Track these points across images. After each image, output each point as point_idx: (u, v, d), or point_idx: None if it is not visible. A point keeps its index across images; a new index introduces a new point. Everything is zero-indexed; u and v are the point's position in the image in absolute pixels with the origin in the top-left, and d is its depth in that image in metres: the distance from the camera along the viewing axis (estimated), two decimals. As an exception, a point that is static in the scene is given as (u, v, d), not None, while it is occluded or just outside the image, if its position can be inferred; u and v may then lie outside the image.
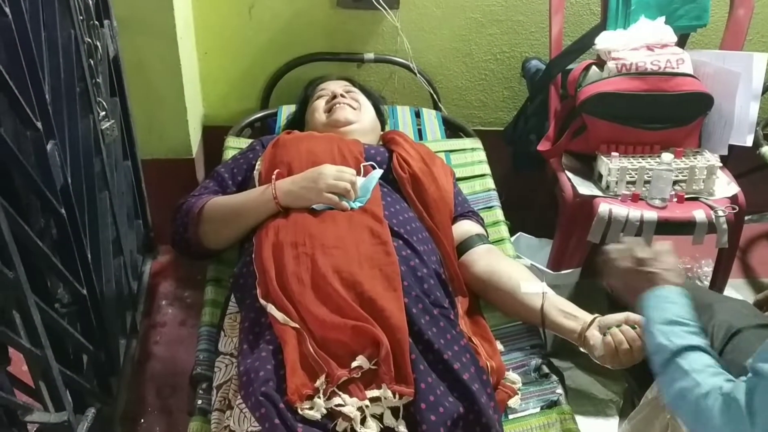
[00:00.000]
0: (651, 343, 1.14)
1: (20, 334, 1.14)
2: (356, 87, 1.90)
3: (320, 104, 1.80)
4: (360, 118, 1.76)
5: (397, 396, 1.12)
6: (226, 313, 1.39)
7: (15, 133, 1.20)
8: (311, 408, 1.08)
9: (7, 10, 1.09)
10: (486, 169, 2.01)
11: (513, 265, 1.54)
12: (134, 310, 1.94)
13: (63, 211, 1.32)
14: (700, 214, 1.82)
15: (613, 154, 1.91)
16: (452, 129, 2.23)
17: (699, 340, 1.10)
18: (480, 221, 1.66)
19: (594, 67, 1.98)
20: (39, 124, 1.21)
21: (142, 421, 1.78)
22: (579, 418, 1.53)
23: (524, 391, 1.39)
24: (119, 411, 1.71)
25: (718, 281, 2.09)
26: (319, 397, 1.10)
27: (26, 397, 1.29)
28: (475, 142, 2.11)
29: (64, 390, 1.29)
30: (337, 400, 1.10)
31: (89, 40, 1.51)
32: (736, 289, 2.33)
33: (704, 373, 1.04)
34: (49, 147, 1.26)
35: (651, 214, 1.81)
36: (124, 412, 1.75)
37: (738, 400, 0.95)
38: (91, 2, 1.52)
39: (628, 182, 1.88)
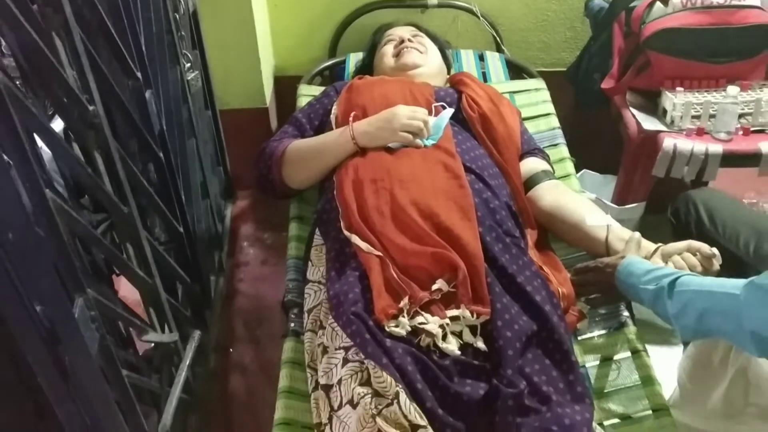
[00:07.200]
0: (647, 298, 1.22)
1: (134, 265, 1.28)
2: (422, 32, 1.95)
3: (388, 49, 1.86)
4: (427, 62, 1.82)
5: (474, 315, 1.20)
6: (311, 245, 1.49)
7: (117, 84, 1.32)
8: (397, 326, 1.17)
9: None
10: (550, 108, 2.03)
11: (578, 198, 1.60)
12: (220, 249, 2.08)
13: (161, 154, 1.45)
14: (766, 146, 1.83)
15: (678, 89, 1.93)
16: (515, 71, 2.26)
17: (676, 270, 1.22)
18: (546, 158, 1.71)
19: (658, 3, 1.97)
20: (139, 74, 1.32)
21: (231, 350, 1.93)
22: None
23: (592, 314, 1.46)
24: (212, 340, 1.86)
25: (785, 214, 2.11)
26: (403, 316, 1.18)
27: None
28: (539, 83, 2.13)
29: (171, 316, 1.43)
30: (420, 319, 1.19)
31: (174, -5, 1.61)
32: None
33: (712, 285, 1.10)
34: (147, 95, 1.38)
35: (716, 147, 1.83)
36: (216, 341, 1.90)
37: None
38: (173, -41, 1.62)
39: (693, 117, 1.90)
